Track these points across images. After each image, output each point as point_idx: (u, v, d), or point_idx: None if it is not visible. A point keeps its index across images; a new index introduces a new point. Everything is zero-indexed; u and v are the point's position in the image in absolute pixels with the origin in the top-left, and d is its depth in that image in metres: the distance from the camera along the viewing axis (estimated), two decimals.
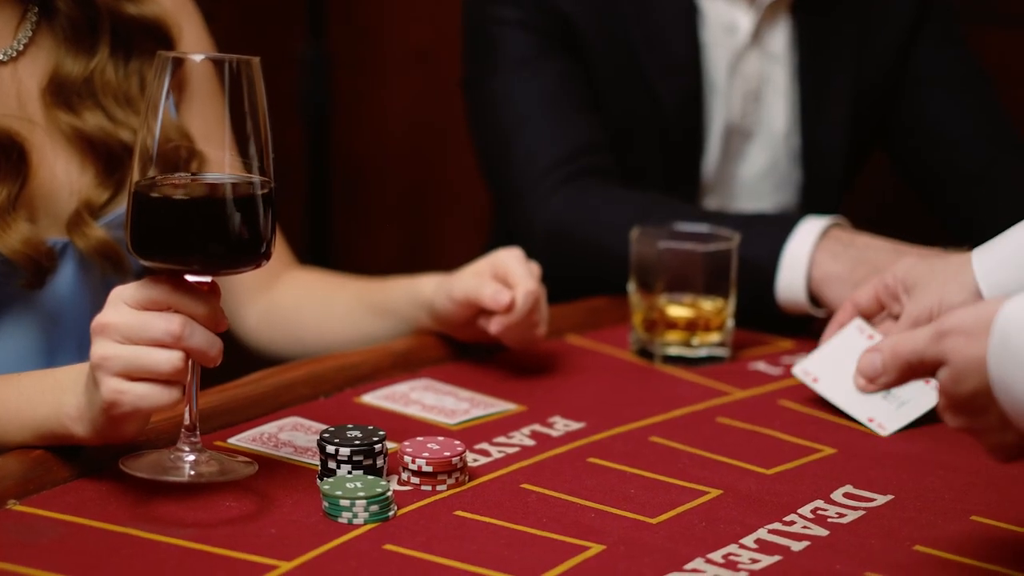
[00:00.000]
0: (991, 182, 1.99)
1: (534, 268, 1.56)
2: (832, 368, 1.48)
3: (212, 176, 1.20)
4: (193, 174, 1.20)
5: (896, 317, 1.49)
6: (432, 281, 1.59)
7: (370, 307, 1.66)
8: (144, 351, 1.16)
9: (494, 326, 1.52)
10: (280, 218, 1.22)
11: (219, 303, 1.21)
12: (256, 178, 1.18)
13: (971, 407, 1.05)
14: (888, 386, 1.11)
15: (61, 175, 1.48)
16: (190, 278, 1.19)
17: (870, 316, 1.51)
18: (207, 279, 1.19)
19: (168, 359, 1.16)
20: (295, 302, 1.67)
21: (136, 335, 1.17)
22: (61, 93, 1.48)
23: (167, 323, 1.17)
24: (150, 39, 1.50)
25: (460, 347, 1.61)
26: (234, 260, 1.19)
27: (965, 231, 1.91)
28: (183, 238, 1.17)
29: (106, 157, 1.48)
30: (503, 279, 1.53)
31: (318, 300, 1.68)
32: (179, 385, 1.18)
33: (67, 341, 1.51)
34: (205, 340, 1.18)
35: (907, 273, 1.46)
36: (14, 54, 1.47)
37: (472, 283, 1.53)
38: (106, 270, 1.48)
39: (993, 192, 2.00)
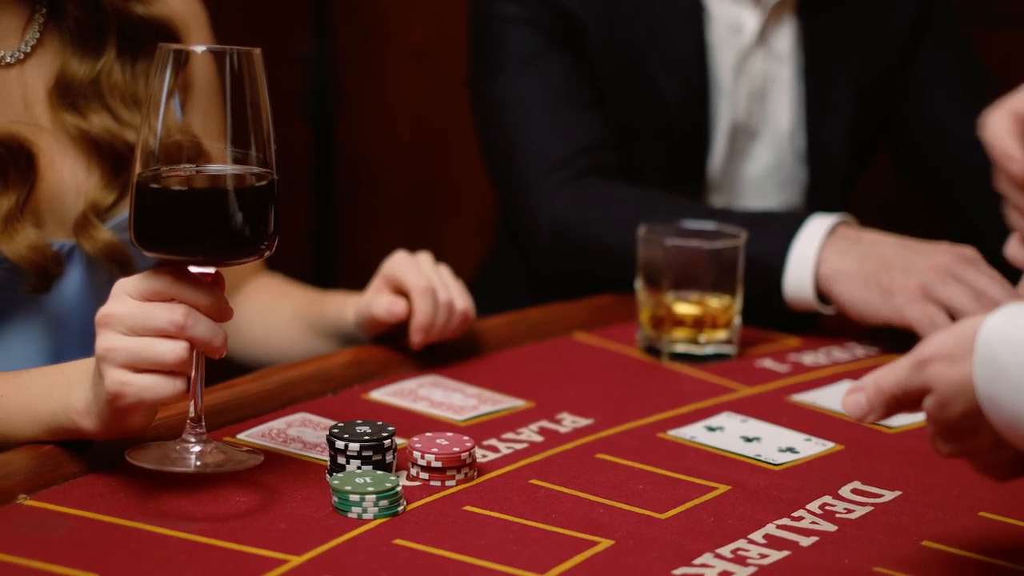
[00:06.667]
0: (993, 182, 1.99)
1: (424, 260, 1.56)
2: None
3: (214, 168, 1.20)
4: (196, 166, 1.21)
5: None
6: (353, 303, 1.60)
7: (308, 325, 1.66)
8: (148, 342, 1.16)
9: (415, 342, 1.54)
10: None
11: (223, 293, 1.21)
12: (258, 169, 1.18)
13: (961, 431, 1.03)
14: (876, 422, 1.09)
15: (68, 177, 1.48)
16: (193, 269, 1.19)
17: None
18: (210, 270, 1.20)
19: (172, 349, 1.16)
20: (246, 312, 1.67)
21: (140, 326, 1.17)
22: (67, 95, 1.48)
23: (171, 313, 1.17)
24: (158, 39, 1.49)
25: (468, 344, 1.62)
26: (237, 251, 1.19)
27: (967, 231, 1.91)
28: (186, 229, 1.17)
29: (112, 159, 1.48)
30: (398, 287, 1.54)
31: (264, 312, 1.68)
32: (184, 376, 1.18)
33: (74, 344, 1.50)
34: (209, 330, 1.18)
35: None
36: (21, 56, 1.47)
37: (367, 302, 1.55)
38: (113, 272, 1.47)
39: (995, 192, 2.00)
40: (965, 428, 1.03)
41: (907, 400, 1.06)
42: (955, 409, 1.02)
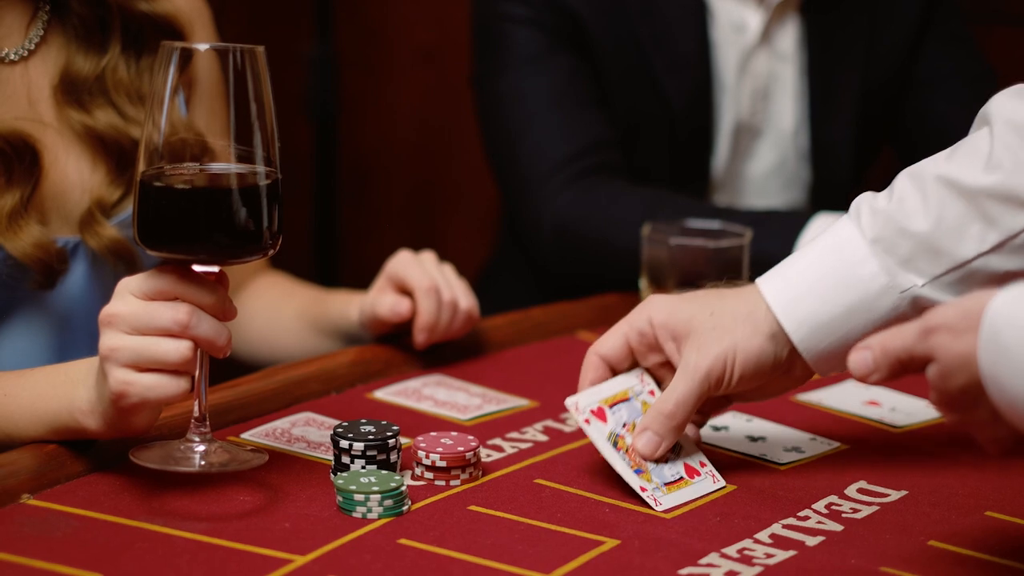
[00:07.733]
0: None
1: (428, 259, 1.56)
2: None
3: (218, 166, 1.19)
4: (200, 164, 1.20)
5: (659, 365, 1.30)
6: (357, 302, 1.60)
7: (312, 324, 1.66)
8: (152, 341, 1.16)
9: (419, 341, 1.54)
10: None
11: (227, 293, 1.20)
12: (262, 168, 1.18)
13: (961, 402, 1.05)
14: (880, 382, 1.10)
15: (73, 174, 1.47)
16: (197, 268, 1.19)
17: (619, 368, 1.31)
18: (214, 268, 1.20)
19: (176, 348, 1.16)
20: (250, 311, 1.67)
21: (144, 325, 1.16)
22: (72, 91, 1.47)
23: (174, 312, 1.16)
24: (162, 36, 1.49)
25: (472, 344, 1.61)
26: (240, 249, 1.18)
27: None
28: (189, 228, 1.17)
29: (117, 155, 1.48)
30: (402, 286, 1.54)
31: (267, 311, 1.68)
32: (188, 375, 1.18)
33: (78, 341, 1.50)
34: (213, 329, 1.18)
35: (672, 319, 1.27)
36: (25, 53, 1.47)
37: (371, 301, 1.55)
38: (118, 269, 1.47)
39: None
40: (966, 400, 1.04)
41: (912, 365, 1.08)
42: (956, 381, 1.03)
